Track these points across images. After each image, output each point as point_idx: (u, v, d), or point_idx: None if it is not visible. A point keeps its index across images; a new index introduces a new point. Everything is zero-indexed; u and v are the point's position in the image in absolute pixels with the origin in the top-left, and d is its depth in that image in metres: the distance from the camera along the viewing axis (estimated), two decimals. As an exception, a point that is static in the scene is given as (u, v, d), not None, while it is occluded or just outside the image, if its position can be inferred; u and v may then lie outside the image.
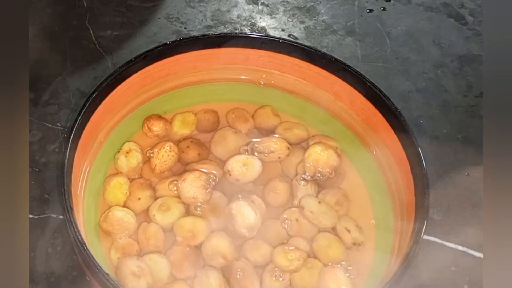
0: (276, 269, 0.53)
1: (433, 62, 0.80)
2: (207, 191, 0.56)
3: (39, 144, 0.67)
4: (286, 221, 0.56)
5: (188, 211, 0.57)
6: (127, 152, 0.59)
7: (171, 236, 0.55)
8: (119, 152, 0.59)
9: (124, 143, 0.60)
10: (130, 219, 0.55)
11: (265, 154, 0.59)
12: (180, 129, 0.62)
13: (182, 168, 0.60)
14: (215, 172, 0.58)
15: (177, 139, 0.62)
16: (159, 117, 0.62)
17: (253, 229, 0.53)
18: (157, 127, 0.61)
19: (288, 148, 0.60)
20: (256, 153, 0.59)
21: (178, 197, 0.57)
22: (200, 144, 0.61)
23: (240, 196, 0.56)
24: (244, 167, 0.57)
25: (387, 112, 0.57)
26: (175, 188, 0.57)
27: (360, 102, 0.60)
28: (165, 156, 0.59)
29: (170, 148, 0.59)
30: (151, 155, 0.59)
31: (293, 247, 0.53)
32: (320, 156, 0.58)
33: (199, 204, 0.56)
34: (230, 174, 0.57)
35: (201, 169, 0.58)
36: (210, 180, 0.57)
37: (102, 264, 0.46)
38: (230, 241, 0.53)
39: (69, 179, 0.51)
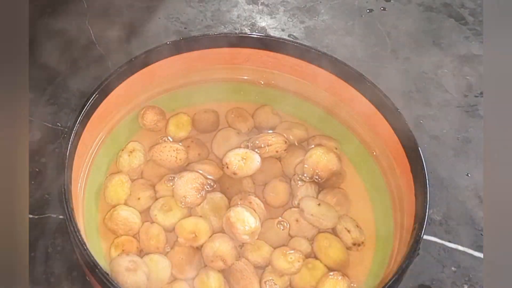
0: (270, 278, 0.53)
1: (433, 62, 0.80)
2: (199, 195, 0.55)
3: (39, 144, 0.67)
4: (282, 222, 0.56)
5: (190, 212, 0.56)
6: (131, 152, 0.59)
7: (172, 236, 0.55)
8: (122, 150, 0.59)
9: (129, 142, 0.60)
10: (135, 219, 0.55)
11: (263, 147, 0.59)
12: (176, 132, 0.62)
13: (182, 167, 0.59)
14: (212, 177, 0.58)
15: (177, 141, 0.62)
16: (149, 107, 0.61)
17: (254, 234, 0.53)
18: (150, 116, 0.61)
19: (286, 142, 0.60)
20: (256, 150, 0.59)
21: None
22: (200, 144, 0.61)
23: (239, 198, 0.56)
24: (242, 161, 0.57)
25: (387, 112, 0.57)
26: (171, 183, 0.57)
27: (360, 102, 0.60)
28: None
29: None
30: None
31: (291, 250, 0.53)
32: (320, 159, 0.58)
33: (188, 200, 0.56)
34: (227, 167, 0.57)
35: (199, 171, 0.58)
36: (206, 185, 0.57)
37: (102, 264, 0.46)
38: (232, 245, 0.53)
39: (69, 179, 0.51)
